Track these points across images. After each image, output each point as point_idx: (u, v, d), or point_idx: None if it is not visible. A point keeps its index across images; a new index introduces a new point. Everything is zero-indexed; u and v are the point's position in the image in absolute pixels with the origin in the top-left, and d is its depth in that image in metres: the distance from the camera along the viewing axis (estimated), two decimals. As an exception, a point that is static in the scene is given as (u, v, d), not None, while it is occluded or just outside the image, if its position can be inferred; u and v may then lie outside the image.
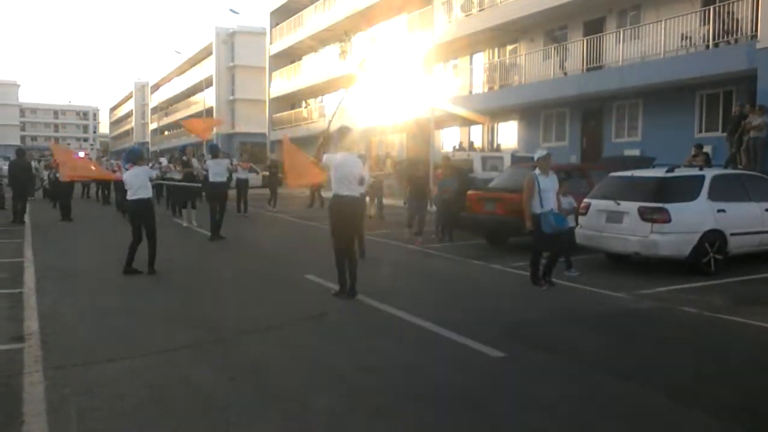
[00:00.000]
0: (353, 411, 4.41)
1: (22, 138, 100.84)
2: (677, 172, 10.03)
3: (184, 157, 18.63)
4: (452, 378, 5.11)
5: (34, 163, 23.36)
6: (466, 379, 5.10)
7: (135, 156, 10.14)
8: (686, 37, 17.17)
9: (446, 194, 13.07)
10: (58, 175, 18.16)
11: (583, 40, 20.37)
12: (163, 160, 25.07)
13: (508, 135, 25.51)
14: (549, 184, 8.61)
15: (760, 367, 5.47)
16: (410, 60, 28.86)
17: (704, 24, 16.78)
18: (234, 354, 5.76)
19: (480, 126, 26.49)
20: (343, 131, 8.41)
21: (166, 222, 15.79)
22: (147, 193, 9.50)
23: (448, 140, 28.73)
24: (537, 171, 8.66)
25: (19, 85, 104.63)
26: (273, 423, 4.26)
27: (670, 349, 6.03)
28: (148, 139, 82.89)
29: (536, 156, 8.91)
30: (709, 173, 10.21)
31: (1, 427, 4.08)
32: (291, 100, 44.18)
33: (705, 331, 6.68)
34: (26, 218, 17.24)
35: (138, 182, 9.43)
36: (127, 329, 6.52)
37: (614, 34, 19.56)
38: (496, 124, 26.03)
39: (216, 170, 13.84)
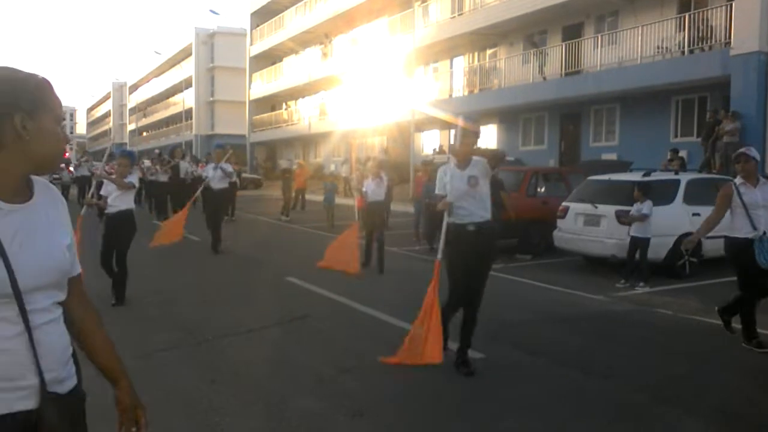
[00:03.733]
0: (334, 412, 4.43)
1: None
2: (653, 176, 10.20)
3: (174, 160, 18.43)
4: (433, 380, 5.15)
5: None
6: (447, 380, 5.14)
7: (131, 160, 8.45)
8: (662, 45, 17.45)
9: (431, 201, 12.92)
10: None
11: (562, 45, 20.60)
12: (146, 162, 24.86)
13: (488, 138, 25.69)
14: (759, 197, 5.92)
15: (734, 369, 5.58)
16: (391, 63, 28.95)
17: (680, 31, 17.08)
18: (215, 356, 5.75)
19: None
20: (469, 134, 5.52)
21: (147, 224, 15.64)
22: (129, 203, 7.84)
23: (429, 143, 28.86)
24: (738, 180, 6.09)
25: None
26: (255, 424, 4.26)
27: (647, 350, 6.13)
28: (126, 140, 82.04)
29: (750, 155, 6.03)
30: (685, 177, 10.40)
31: None
32: (271, 102, 44.03)
33: (680, 333, 6.81)
34: None
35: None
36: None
37: (592, 39, 19.82)
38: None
39: (217, 175, 12.60)
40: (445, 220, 5.41)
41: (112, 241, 7.65)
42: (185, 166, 18.82)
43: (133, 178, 7.85)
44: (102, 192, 7.77)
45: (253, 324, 6.84)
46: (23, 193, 1.65)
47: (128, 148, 72.09)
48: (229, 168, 13.04)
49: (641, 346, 6.27)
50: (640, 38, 17.77)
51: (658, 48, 17.59)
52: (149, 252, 10.85)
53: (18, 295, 1.54)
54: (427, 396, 4.79)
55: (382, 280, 9.87)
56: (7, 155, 1.58)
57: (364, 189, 10.52)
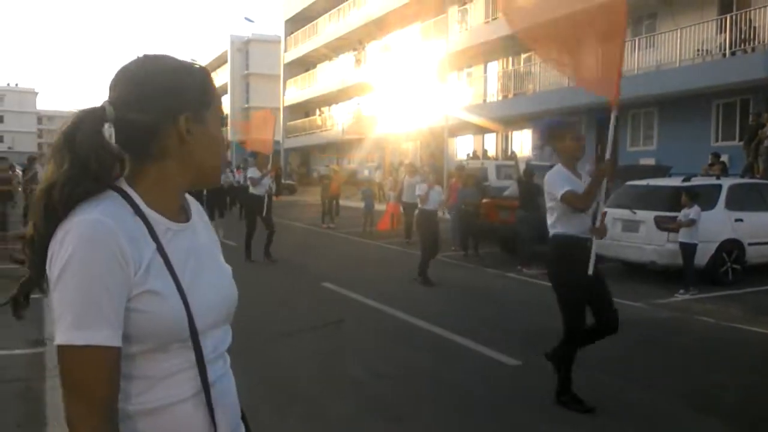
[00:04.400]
0: (372, 417, 4.43)
1: (39, 145, 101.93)
2: (694, 181, 9.99)
3: None
4: (470, 385, 5.12)
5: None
6: (484, 386, 5.11)
7: None
8: (702, 47, 17.10)
9: (469, 206, 12.63)
10: None
11: (598, 49, 20.32)
12: None
13: (523, 143, 25.49)
14: None
15: (780, 378, 5.43)
16: (424, 68, 28.95)
17: (721, 32, 16.72)
18: (251, 361, 5.79)
19: (494, 134, 26.50)
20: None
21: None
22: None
23: (462, 148, 28.75)
24: None
25: (36, 93, 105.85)
26: (292, 428, 4.28)
27: (688, 358, 6.00)
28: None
29: None
30: (727, 182, 10.16)
31: (22, 430, 4.14)
32: (305, 108, 44.41)
33: (723, 341, 6.64)
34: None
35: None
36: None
37: (629, 42, 19.51)
38: (510, 132, 26.02)
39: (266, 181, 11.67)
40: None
41: None
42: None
43: None
44: None
45: (290, 328, 6.89)
46: (184, 210, 1.34)
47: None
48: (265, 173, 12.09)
49: (682, 355, 6.14)
50: (679, 41, 17.46)
51: (697, 51, 17.25)
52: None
53: (195, 338, 1.22)
54: (464, 402, 4.75)
55: (416, 285, 9.84)
56: (172, 164, 1.27)
57: (418, 193, 10.15)
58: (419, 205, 10.20)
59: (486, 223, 12.47)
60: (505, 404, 4.71)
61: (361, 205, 17.67)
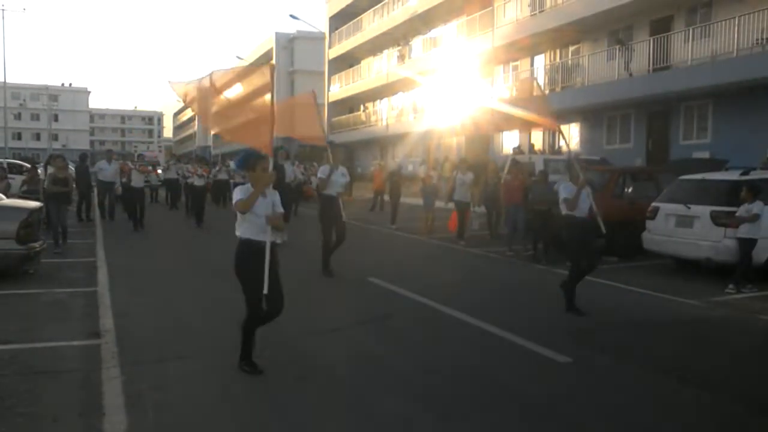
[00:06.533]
0: (419, 413, 4.41)
1: (91, 142, 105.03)
2: (753, 175, 9.64)
3: (279, 161, 17.39)
4: (519, 382, 5.05)
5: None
6: (535, 384, 5.03)
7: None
8: (762, 36, 16.46)
9: (542, 206, 11.13)
10: (126, 179, 18.75)
11: (650, 40, 19.81)
12: (232, 164, 25.55)
13: (571, 137, 25.03)
14: None
15: None
16: (469, 62, 28.71)
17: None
18: (300, 354, 5.84)
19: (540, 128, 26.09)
20: None
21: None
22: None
23: (508, 143, 28.41)
24: None
25: (89, 92, 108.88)
26: (342, 423, 4.29)
27: (747, 359, 5.80)
28: (210, 143, 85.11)
29: None
30: (788, 176, 9.76)
31: (84, 418, 4.25)
32: (349, 104, 44.59)
33: (785, 341, 6.40)
34: (94, 217, 17.96)
35: None
36: (197, 328, 6.70)
37: (683, 32, 18.95)
38: (557, 126, 25.55)
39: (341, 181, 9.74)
40: None
41: None
42: (290, 168, 16.05)
43: None
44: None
45: (337, 323, 6.92)
46: None
47: (212, 151, 74.67)
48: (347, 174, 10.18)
49: (740, 355, 5.94)
50: (736, 29, 16.83)
51: (757, 40, 16.61)
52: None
53: None
54: (515, 400, 4.69)
55: (463, 281, 9.77)
56: None
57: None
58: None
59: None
60: (557, 402, 4.63)
61: (420, 202, 16.52)
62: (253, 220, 5.05)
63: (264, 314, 5.16)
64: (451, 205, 14.12)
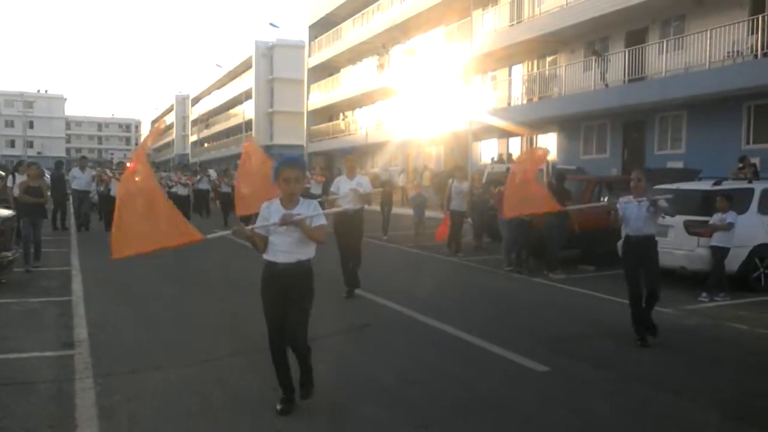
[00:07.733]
0: (399, 422, 4.40)
1: (67, 150, 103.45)
2: (725, 185, 9.81)
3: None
4: (498, 391, 5.07)
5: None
6: (513, 392, 5.05)
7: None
8: (733, 49, 16.79)
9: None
10: (104, 188, 18.57)
11: (625, 51, 20.11)
12: (212, 173, 25.39)
13: (548, 147, 25.26)
14: None
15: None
16: (448, 72, 28.89)
17: (753, 33, 16.41)
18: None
19: (519, 138, 26.33)
20: None
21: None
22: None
23: (487, 152, 28.61)
24: None
25: (65, 99, 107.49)
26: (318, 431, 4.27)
27: (720, 365, 5.88)
28: (188, 151, 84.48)
29: None
30: (759, 186, 9.96)
31: (55, 431, 4.18)
32: (329, 113, 44.58)
33: (755, 348, 6.51)
34: (70, 226, 17.73)
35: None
36: (174, 338, 6.63)
37: (657, 44, 19.27)
38: (535, 136, 25.83)
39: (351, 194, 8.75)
40: None
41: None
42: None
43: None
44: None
45: (317, 332, 6.86)
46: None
47: (190, 159, 74.13)
48: (368, 185, 9.09)
49: (714, 362, 6.02)
50: (708, 42, 17.16)
51: (728, 52, 16.95)
52: (213, 265, 11.07)
53: None
54: (494, 408, 4.70)
55: (442, 290, 9.79)
56: None
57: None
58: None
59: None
60: (535, 411, 4.65)
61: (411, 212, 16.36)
62: (272, 239, 4.58)
63: (274, 347, 4.73)
64: (441, 214, 13.95)
